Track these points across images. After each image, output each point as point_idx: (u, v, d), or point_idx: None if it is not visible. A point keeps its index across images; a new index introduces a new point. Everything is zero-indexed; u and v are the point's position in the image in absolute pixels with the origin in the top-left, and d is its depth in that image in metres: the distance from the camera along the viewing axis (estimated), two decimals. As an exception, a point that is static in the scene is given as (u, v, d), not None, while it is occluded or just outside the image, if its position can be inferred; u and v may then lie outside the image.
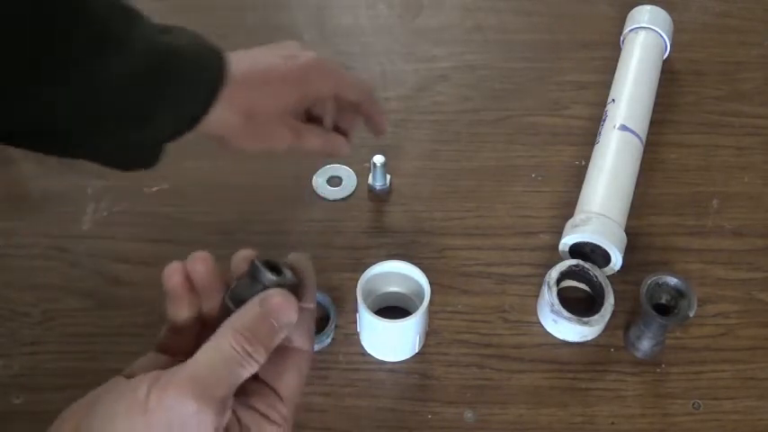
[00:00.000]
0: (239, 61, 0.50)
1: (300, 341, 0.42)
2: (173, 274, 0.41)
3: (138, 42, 0.44)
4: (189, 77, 0.47)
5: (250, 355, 0.38)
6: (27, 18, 0.40)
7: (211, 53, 0.49)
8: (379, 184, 0.69)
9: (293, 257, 0.43)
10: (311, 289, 0.43)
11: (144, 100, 0.45)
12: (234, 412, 0.38)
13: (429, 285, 0.58)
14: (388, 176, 0.69)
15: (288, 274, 0.41)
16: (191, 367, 0.36)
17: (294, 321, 0.40)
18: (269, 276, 0.40)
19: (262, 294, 0.40)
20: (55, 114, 0.43)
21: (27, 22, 0.40)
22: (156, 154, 0.50)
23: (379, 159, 0.67)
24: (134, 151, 0.49)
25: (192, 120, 0.48)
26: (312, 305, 0.43)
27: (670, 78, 0.78)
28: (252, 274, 0.41)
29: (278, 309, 0.39)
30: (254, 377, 0.40)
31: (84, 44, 0.42)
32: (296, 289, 0.42)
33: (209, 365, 0.37)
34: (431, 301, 0.57)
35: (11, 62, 0.40)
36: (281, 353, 0.41)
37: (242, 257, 0.42)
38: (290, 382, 0.42)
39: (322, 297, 0.62)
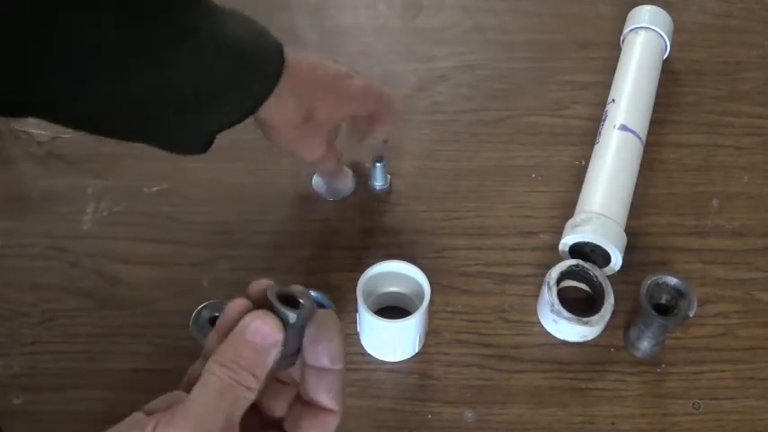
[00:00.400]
0: (296, 57, 0.54)
1: (327, 401, 0.40)
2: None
3: (209, 35, 0.49)
4: (253, 66, 0.52)
5: (239, 383, 0.37)
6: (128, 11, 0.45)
7: (269, 42, 0.53)
8: (378, 184, 0.69)
9: (319, 318, 0.40)
10: (335, 346, 0.40)
11: (209, 88, 0.50)
12: None
13: (429, 285, 0.58)
14: (388, 176, 0.69)
15: (306, 304, 0.39)
16: (188, 405, 0.36)
17: (278, 340, 0.37)
18: (284, 312, 0.38)
19: (240, 322, 0.38)
20: (141, 100, 0.48)
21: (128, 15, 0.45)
22: (211, 138, 0.54)
23: (379, 159, 0.67)
24: (192, 135, 0.53)
25: (254, 105, 0.53)
26: (339, 366, 0.40)
27: (670, 78, 0.77)
28: (269, 308, 0.38)
29: (254, 332, 0.37)
30: None
31: (167, 35, 0.47)
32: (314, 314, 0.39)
33: (201, 401, 0.36)
34: (431, 301, 0.57)
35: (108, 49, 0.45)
36: (310, 410, 0.40)
37: (257, 290, 0.40)
38: None
39: (322, 297, 0.62)
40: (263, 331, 0.37)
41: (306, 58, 0.56)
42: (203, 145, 0.54)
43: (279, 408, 0.41)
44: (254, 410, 0.40)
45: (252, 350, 0.37)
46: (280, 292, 0.39)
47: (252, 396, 0.37)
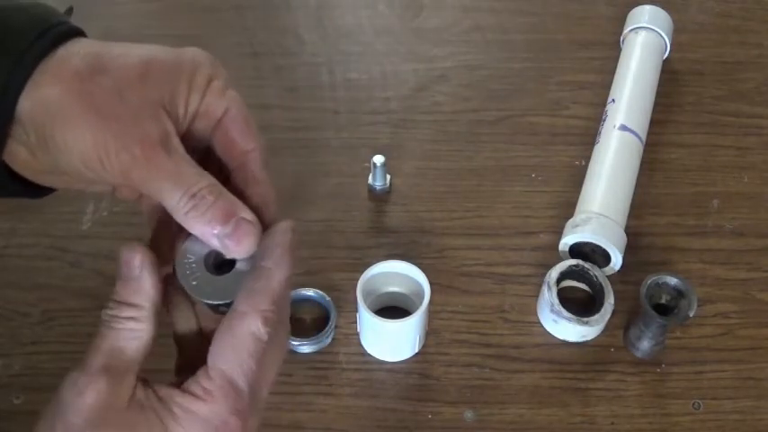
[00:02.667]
0: (88, 49, 0.39)
1: (242, 304, 0.37)
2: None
3: None
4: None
5: (117, 317, 0.37)
6: None
7: (37, 14, 0.39)
8: (379, 184, 0.69)
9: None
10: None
11: None
12: (153, 388, 0.37)
13: (429, 285, 0.58)
14: (388, 176, 0.69)
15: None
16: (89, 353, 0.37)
17: (141, 260, 0.37)
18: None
19: None
20: None
21: None
22: None
23: (378, 159, 0.67)
24: None
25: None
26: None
27: (670, 78, 0.77)
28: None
29: (123, 264, 0.38)
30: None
31: None
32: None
33: (89, 347, 0.37)
34: (431, 301, 0.57)
35: None
36: (223, 324, 0.38)
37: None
38: (217, 347, 0.37)
39: (322, 297, 0.62)
40: (126, 261, 0.37)
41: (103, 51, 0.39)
42: None
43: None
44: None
45: (123, 283, 0.37)
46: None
47: (142, 324, 0.37)
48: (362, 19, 0.84)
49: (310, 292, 0.62)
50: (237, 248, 0.38)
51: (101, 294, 0.63)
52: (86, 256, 0.65)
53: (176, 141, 0.38)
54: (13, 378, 0.59)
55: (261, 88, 0.77)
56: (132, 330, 0.37)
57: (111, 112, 0.37)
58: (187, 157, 0.38)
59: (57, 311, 0.62)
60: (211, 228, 0.37)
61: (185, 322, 0.41)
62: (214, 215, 0.37)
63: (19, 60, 0.37)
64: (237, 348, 0.37)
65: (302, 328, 0.62)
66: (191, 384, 0.36)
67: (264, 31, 0.82)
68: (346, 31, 0.83)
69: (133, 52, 0.39)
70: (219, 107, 0.40)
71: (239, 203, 0.38)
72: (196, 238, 0.38)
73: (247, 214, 0.38)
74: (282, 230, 0.39)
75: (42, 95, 0.37)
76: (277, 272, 0.38)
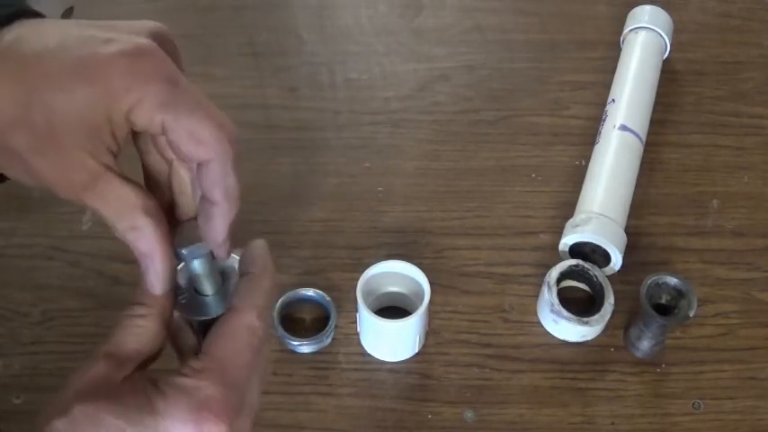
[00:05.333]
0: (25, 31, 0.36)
1: (237, 300, 0.39)
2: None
3: None
4: None
5: (128, 315, 0.39)
6: None
7: None
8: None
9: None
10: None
11: None
12: (150, 377, 0.37)
13: (429, 285, 0.58)
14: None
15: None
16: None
17: (150, 251, 0.38)
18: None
19: None
20: None
21: None
22: None
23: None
24: None
25: None
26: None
27: (670, 78, 0.77)
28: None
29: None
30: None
31: None
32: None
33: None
34: (431, 301, 0.57)
35: None
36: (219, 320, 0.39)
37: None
38: (211, 337, 0.38)
39: (322, 297, 0.62)
40: (142, 269, 0.39)
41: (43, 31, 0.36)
42: None
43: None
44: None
45: (138, 288, 0.40)
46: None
47: (146, 323, 0.39)
48: (362, 19, 0.84)
49: (310, 292, 0.62)
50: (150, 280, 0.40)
51: (100, 294, 0.63)
52: (86, 256, 0.65)
53: (111, 176, 0.37)
54: (13, 378, 0.59)
55: (261, 88, 0.77)
56: (138, 327, 0.38)
57: (44, 145, 0.35)
58: (123, 185, 0.37)
59: (57, 311, 0.62)
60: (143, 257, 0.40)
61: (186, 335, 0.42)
62: (149, 245, 0.39)
63: None
64: (233, 339, 0.38)
65: (302, 328, 0.62)
66: (182, 367, 0.37)
67: (264, 31, 0.82)
68: (346, 31, 0.83)
69: (70, 54, 0.35)
70: (157, 123, 0.36)
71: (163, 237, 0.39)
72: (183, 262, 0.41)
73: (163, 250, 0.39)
74: (259, 244, 0.42)
75: None
76: (265, 274, 0.40)
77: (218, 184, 0.37)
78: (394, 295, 0.61)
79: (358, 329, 0.61)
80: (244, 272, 0.40)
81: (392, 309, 0.61)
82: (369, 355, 0.61)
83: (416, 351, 0.61)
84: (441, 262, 0.65)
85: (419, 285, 0.58)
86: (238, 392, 0.37)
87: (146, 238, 0.38)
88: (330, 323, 0.60)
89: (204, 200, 0.38)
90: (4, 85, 0.35)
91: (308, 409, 0.58)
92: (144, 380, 0.37)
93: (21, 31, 0.36)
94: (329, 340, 0.61)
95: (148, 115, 0.35)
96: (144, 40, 0.37)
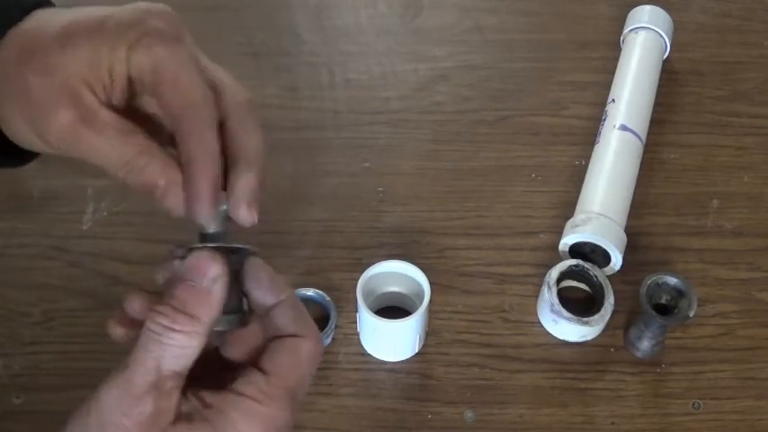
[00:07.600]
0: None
1: (293, 328, 0.38)
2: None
3: None
4: None
5: (170, 329, 0.34)
6: None
7: None
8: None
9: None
10: (269, 281, 0.39)
11: None
12: (198, 396, 0.36)
13: (429, 285, 0.58)
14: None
15: (243, 248, 0.39)
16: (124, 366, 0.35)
17: (219, 272, 0.36)
18: (180, 252, 0.38)
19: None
20: None
21: None
22: None
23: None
24: None
25: None
26: (284, 295, 0.39)
27: (670, 78, 0.77)
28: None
29: (192, 271, 0.36)
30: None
31: None
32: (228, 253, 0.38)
33: (133, 358, 0.35)
34: (431, 301, 0.57)
35: None
36: (277, 342, 0.38)
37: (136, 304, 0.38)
38: (278, 359, 0.37)
39: (322, 297, 0.62)
40: (200, 267, 0.36)
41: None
42: None
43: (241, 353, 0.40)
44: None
45: (189, 291, 0.35)
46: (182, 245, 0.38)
47: (195, 341, 0.35)
48: (362, 19, 0.84)
49: (310, 292, 0.62)
50: (170, 205, 0.38)
51: (101, 294, 0.63)
52: (86, 256, 0.65)
53: (102, 115, 0.37)
54: (13, 378, 0.59)
55: (261, 88, 0.77)
56: (182, 348, 0.35)
57: (38, 96, 0.37)
58: (118, 124, 0.38)
59: (57, 311, 0.62)
60: (150, 189, 0.38)
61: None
62: (148, 178, 0.37)
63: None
64: (301, 365, 0.38)
65: (302, 328, 0.62)
66: (244, 387, 0.36)
67: (264, 31, 0.82)
68: (346, 31, 0.83)
69: (62, 19, 0.39)
70: (145, 69, 0.37)
71: (170, 163, 0.38)
72: None
73: (174, 174, 0.38)
74: (268, 269, 0.40)
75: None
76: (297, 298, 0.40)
77: (192, 138, 0.37)
78: (394, 295, 0.61)
79: (358, 329, 0.61)
80: (275, 301, 0.39)
81: (392, 309, 0.61)
82: (369, 354, 0.61)
83: (416, 351, 0.61)
84: (441, 262, 0.65)
85: (419, 285, 0.58)
86: (296, 417, 0.37)
87: (155, 163, 0.38)
88: (330, 323, 0.60)
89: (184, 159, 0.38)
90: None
91: (308, 409, 0.58)
92: (199, 409, 0.35)
93: (40, 15, 0.40)
94: (329, 340, 0.61)
95: (146, 49, 0.37)
96: (158, 4, 0.39)
